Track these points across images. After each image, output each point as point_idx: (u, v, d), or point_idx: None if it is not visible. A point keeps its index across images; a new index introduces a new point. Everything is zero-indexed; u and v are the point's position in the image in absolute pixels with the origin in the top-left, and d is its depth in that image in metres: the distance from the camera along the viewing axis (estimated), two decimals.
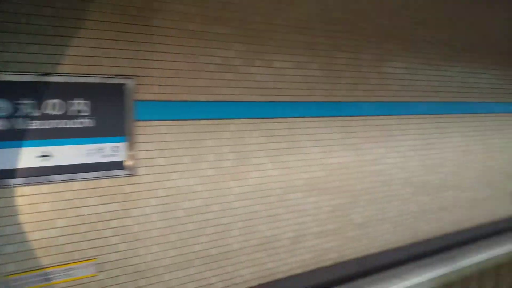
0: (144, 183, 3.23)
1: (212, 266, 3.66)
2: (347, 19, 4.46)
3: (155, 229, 3.32)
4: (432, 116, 5.42)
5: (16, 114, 2.68)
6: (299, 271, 4.27)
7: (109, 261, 3.11)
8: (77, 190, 2.96)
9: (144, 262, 3.27)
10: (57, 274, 2.91)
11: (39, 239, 2.82)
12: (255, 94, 3.85)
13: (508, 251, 0.98)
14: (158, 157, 3.29)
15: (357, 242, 4.79)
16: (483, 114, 6.09)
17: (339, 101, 4.52)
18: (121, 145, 3.10)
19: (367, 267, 4.85)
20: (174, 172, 3.38)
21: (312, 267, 4.39)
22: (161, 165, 3.31)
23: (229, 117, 3.67)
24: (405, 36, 5.03)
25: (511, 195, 5.81)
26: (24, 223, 2.74)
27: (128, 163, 3.12)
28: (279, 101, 4.04)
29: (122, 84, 3.06)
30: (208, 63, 3.52)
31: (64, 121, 2.85)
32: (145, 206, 3.25)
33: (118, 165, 3.09)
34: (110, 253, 3.11)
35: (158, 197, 3.31)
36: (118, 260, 3.15)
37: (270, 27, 3.90)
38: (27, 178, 2.73)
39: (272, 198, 4.04)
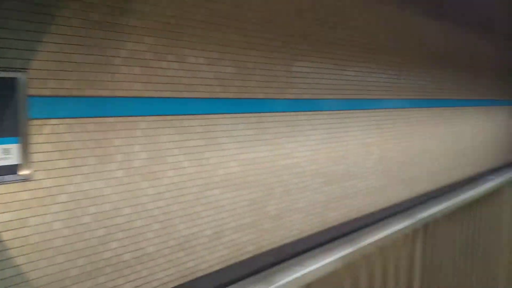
0: (43, 188, 2.91)
1: (125, 272, 3.47)
2: (260, 18, 4.60)
3: (58, 238, 3.02)
4: (336, 112, 5.89)
5: None
6: (218, 267, 4.30)
7: (2, 279, 2.74)
8: None
9: (47, 275, 2.96)
10: None
11: None
12: (167, 90, 3.74)
13: (403, 227, 1.18)
14: (58, 159, 2.99)
15: (272, 233, 5.00)
16: (380, 110, 6.81)
17: (253, 98, 4.64)
18: (13, 147, 2.74)
19: (283, 257, 5.09)
20: (78, 175, 3.11)
21: (231, 261, 4.45)
22: (62, 168, 3.02)
23: (139, 114, 3.49)
24: (312, 37, 5.36)
25: None
26: None
27: (23, 166, 2.78)
28: (194, 98, 3.98)
29: (12, 78, 2.70)
30: (115, 56, 3.31)
31: None
32: (46, 214, 2.93)
33: (11, 169, 2.73)
34: (4, 269, 2.75)
35: (60, 203, 3.01)
36: (13, 276, 2.79)
37: (183, 21, 3.81)
38: None
39: (190, 197, 3.99)
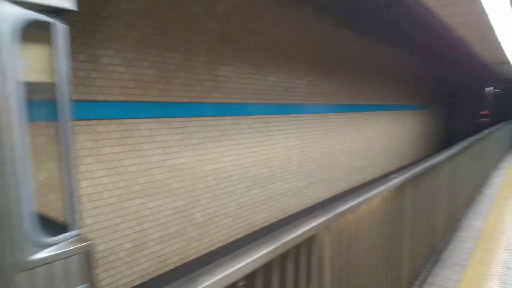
0: None
1: None
2: (181, 19, 4.44)
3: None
4: (261, 116, 5.98)
5: None
6: (139, 281, 4.03)
7: None
8: None
9: None
10: None
11: None
12: (78, 93, 3.40)
13: (320, 223, 1.22)
14: None
15: (199, 241, 4.86)
16: (301, 114, 7.09)
17: (176, 102, 4.46)
18: None
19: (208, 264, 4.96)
20: None
21: (154, 274, 4.21)
22: None
23: (43, 119, 3.12)
24: (236, 42, 5.37)
25: None
26: None
27: None
28: (109, 101, 3.69)
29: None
30: None
31: None
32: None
33: None
34: None
35: None
36: None
37: (96, 18, 3.51)
38: None
39: (106, 208, 3.67)
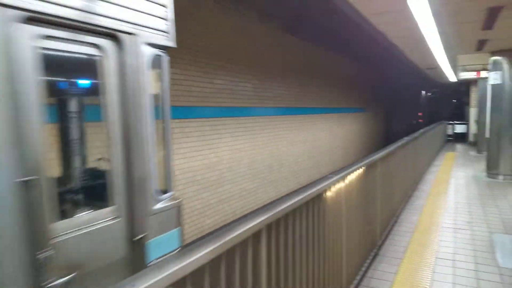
0: None
1: None
2: None
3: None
4: (208, 119, 5.93)
5: None
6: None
7: None
8: None
9: None
10: None
11: None
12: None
13: (263, 219, 1.29)
14: None
15: None
16: (249, 117, 7.15)
17: None
18: None
19: None
20: None
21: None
22: None
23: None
24: (180, 44, 5.27)
25: None
26: None
27: None
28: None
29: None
30: None
31: None
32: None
33: None
34: None
35: None
36: None
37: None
38: None
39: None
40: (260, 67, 7.47)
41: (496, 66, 7.65)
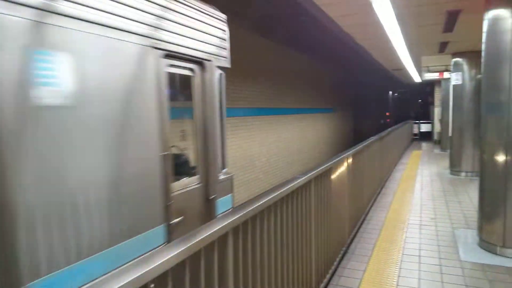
0: None
1: None
2: None
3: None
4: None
5: None
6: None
7: None
8: None
9: None
10: None
11: None
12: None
13: (229, 222, 1.29)
14: None
15: None
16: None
17: None
18: None
19: None
20: None
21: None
22: None
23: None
24: None
25: None
26: None
27: None
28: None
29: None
30: None
31: None
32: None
33: None
34: None
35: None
36: None
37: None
38: None
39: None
40: (234, 68, 7.42)
41: (457, 68, 8.00)
